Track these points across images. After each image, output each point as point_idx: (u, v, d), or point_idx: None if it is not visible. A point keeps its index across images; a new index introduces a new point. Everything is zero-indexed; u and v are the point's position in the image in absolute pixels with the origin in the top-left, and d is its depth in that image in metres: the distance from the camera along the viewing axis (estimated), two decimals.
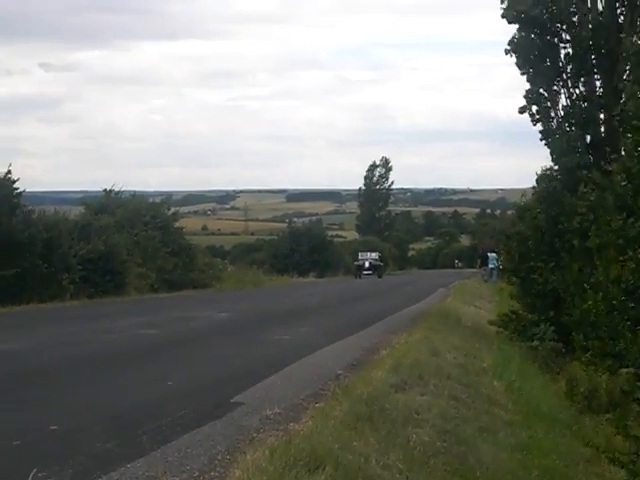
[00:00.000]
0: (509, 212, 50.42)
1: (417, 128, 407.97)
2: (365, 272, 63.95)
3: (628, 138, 13.81)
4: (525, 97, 22.35)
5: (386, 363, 11.95)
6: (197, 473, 6.30)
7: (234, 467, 6.20)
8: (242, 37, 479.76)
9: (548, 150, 22.20)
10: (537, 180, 22.39)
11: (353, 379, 10.63)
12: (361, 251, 71.44)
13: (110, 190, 38.85)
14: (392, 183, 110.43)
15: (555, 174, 21.98)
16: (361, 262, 66.19)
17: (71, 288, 28.00)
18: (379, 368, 11.48)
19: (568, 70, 21.78)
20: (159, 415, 8.33)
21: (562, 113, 21.95)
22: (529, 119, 22.48)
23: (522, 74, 22.34)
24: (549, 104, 22.23)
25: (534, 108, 22.38)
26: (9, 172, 26.94)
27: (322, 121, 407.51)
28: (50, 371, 11.92)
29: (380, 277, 63.12)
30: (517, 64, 22.49)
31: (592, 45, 21.17)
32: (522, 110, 22.40)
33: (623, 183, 13.77)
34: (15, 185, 27.06)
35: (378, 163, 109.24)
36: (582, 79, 21.73)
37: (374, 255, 68.84)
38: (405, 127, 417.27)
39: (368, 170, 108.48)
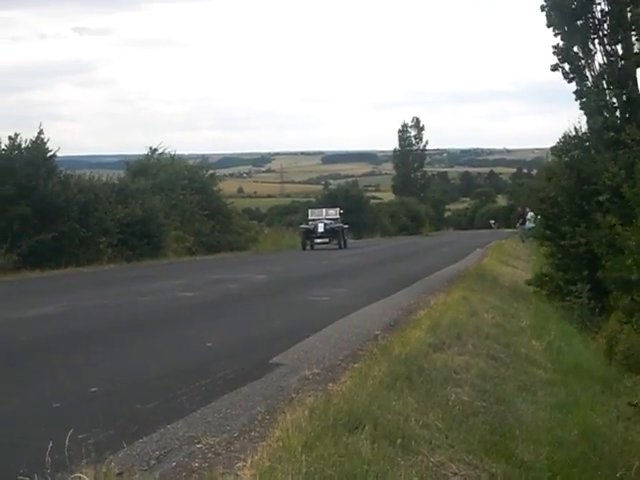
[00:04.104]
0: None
1: (453, 89, 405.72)
2: (318, 240, 42.19)
3: None
4: (555, 54, 21.97)
5: (424, 323, 11.93)
6: (237, 433, 6.31)
7: (274, 427, 6.22)
8: None
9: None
10: (559, 146, 21.91)
11: (391, 339, 10.62)
12: (312, 207, 50.52)
13: (155, 149, 39.30)
14: (426, 143, 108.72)
15: (586, 136, 21.61)
16: (311, 225, 43.04)
17: (109, 251, 28.23)
18: (417, 328, 11.46)
19: (605, 27, 21.39)
20: (198, 376, 8.36)
21: (597, 71, 21.57)
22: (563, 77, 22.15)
23: (555, 34, 21.92)
24: (583, 62, 21.85)
25: (567, 66, 22.01)
26: (41, 132, 26.99)
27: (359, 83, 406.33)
28: (89, 334, 11.99)
29: (341, 247, 42.01)
30: (548, 22, 22.07)
31: (629, 1, 20.76)
32: (554, 67, 22.05)
33: None
34: (48, 147, 27.17)
35: (410, 124, 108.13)
36: (619, 36, 21.32)
37: (332, 213, 45.33)
38: (441, 88, 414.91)
39: (400, 131, 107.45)
